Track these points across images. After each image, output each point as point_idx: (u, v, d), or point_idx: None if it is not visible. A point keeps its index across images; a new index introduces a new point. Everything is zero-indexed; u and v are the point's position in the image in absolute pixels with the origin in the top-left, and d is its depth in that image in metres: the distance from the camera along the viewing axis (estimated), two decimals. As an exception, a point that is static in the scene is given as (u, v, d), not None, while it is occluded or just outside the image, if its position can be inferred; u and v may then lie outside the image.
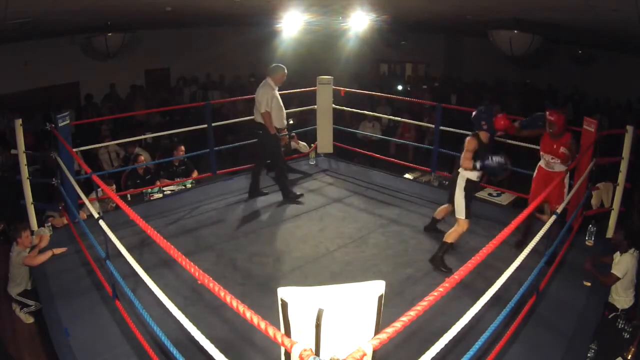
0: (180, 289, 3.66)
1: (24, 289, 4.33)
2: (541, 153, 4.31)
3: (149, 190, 5.93)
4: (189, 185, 6.20)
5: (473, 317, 1.86)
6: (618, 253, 3.87)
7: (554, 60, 12.00)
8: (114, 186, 5.77)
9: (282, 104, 5.37)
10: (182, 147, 6.41)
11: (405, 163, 6.97)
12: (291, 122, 6.73)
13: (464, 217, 4.02)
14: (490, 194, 6.01)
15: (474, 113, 4.00)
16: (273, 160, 5.57)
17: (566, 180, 4.17)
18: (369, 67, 14.65)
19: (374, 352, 1.27)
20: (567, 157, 4.11)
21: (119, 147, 7.77)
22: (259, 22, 10.01)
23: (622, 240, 3.85)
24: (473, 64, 13.61)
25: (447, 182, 6.47)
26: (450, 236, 4.07)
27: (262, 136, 5.29)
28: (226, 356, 1.52)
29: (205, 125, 5.94)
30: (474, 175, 3.99)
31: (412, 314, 1.44)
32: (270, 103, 5.15)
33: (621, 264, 3.76)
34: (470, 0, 6.30)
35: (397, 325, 1.37)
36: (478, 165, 3.83)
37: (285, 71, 5.29)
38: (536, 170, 4.41)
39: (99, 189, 5.01)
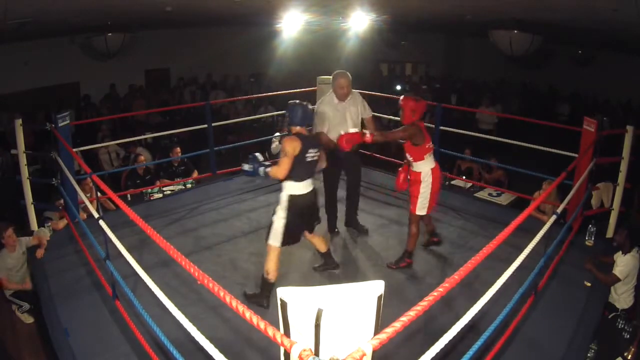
0: (180, 289, 3.65)
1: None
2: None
3: (149, 190, 5.93)
4: (189, 185, 6.20)
5: (473, 317, 1.86)
6: (619, 253, 3.85)
7: (554, 60, 12.01)
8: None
9: (347, 117, 4.42)
10: (178, 149, 6.41)
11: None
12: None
13: None
14: (490, 194, 6.01)
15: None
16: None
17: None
18: (370, 67, 14.65)
19: (374, 352, 1.27)
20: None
21: (119, 147, 7.78)
22: (259, 22, 10.01)
23: (624, 241, 3.80)
24: (473, 64, 13.62)
25: (447, 183, 6.48)
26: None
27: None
28: (226, 356, 1.52)
29: (205, 125, 5.95)
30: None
31: (412, 314, 1.44)
32: (325, 122, 4.33)
33: (623, 266, 3.73)
34: (470, 0, 6.30)
35: (397, 325, 1.37)
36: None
37: (341, 80, 4.28)
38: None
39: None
